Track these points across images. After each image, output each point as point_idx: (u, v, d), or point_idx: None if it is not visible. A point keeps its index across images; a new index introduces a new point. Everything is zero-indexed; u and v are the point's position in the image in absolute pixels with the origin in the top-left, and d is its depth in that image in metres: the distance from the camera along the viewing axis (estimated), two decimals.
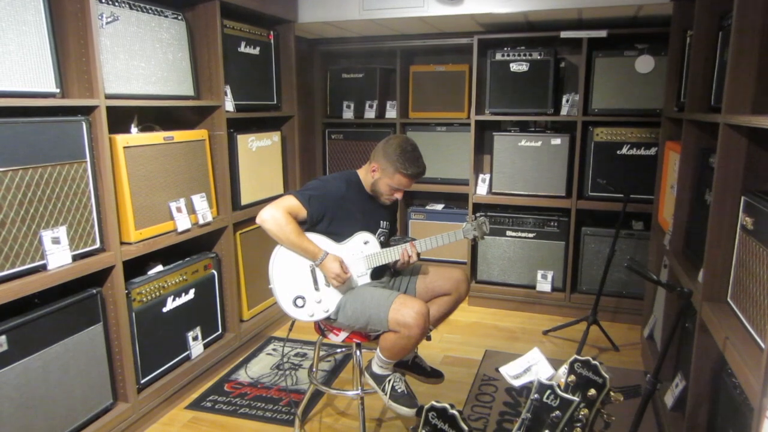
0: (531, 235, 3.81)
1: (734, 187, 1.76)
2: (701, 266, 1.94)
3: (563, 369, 0.90)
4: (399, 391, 2.14)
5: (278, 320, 3.63)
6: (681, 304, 1.59)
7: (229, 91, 3.06)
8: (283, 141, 3.63)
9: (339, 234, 2.22)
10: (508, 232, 3.85)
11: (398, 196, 2.28)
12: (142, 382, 2.53)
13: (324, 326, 2.30)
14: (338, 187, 2.22)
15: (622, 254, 3.52)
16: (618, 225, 3.17)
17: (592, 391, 0.89)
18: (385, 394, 2.15)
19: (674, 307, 2.55)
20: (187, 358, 2.81)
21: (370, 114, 4.39)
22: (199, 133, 2.86)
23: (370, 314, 2.08)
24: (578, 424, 0.86)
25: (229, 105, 3.06)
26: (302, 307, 2.16)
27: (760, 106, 1.68)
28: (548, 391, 0.83)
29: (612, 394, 0.93)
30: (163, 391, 2.63)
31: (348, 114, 4.45)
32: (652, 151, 3.46)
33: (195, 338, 2.85)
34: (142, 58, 2.52)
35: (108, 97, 2.25)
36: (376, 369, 2.19)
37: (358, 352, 2.30)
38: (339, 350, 3.11)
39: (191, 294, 2.80)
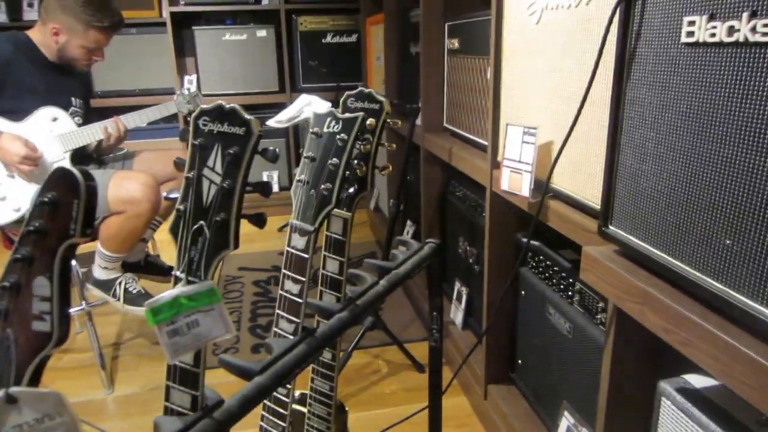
0: None
1: (437, 18, 1.88)
2: None
3: (338, 111, 0.79)
4: (134, 291, 1.83)
5: None
6: (411, 122, 1.66)
7: None
8: None
9: (15, 111, 1.71)
10: None
11: (98, 57, 1.86)
12: None
13: (14, 235, 1.79)
14: (1, 49, 1.69)
15: None
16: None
17: (371, 121, 0.82)
18: (118, 300, 1.82)
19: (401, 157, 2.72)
20: None
21: (31, 15, 3.54)
22: None
23: None
24: (363, 143, 0.78)
25: None
26: None
27: None
28: (328, 119, 0.72)
29: (390, 120, 0.88)
30: None
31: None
32: (354, 38, 3.60)
33: None
34: None
35: None
36: (99, 274, 1.82)
37: (72, 261, 1.87)
38: None
39: None
